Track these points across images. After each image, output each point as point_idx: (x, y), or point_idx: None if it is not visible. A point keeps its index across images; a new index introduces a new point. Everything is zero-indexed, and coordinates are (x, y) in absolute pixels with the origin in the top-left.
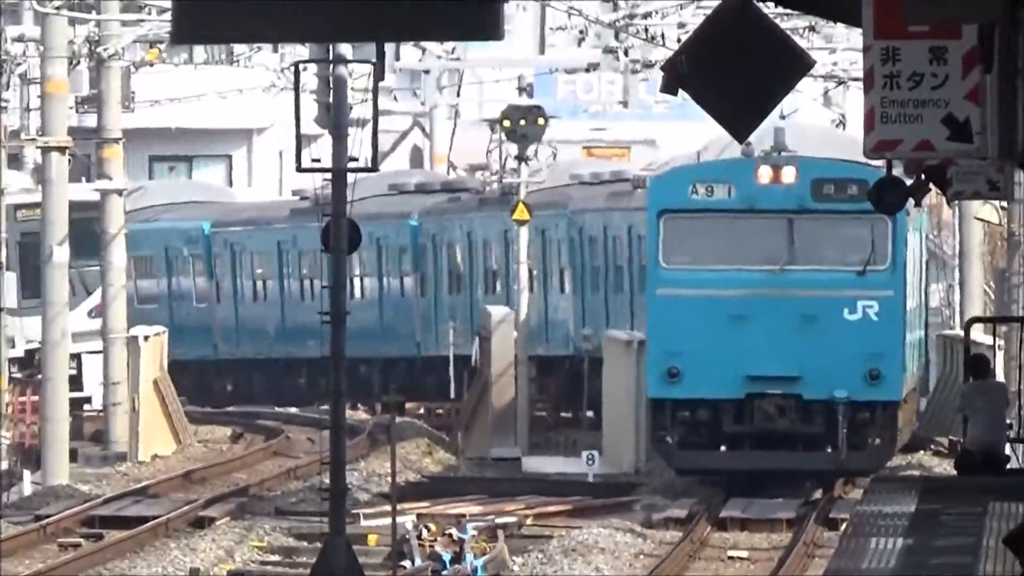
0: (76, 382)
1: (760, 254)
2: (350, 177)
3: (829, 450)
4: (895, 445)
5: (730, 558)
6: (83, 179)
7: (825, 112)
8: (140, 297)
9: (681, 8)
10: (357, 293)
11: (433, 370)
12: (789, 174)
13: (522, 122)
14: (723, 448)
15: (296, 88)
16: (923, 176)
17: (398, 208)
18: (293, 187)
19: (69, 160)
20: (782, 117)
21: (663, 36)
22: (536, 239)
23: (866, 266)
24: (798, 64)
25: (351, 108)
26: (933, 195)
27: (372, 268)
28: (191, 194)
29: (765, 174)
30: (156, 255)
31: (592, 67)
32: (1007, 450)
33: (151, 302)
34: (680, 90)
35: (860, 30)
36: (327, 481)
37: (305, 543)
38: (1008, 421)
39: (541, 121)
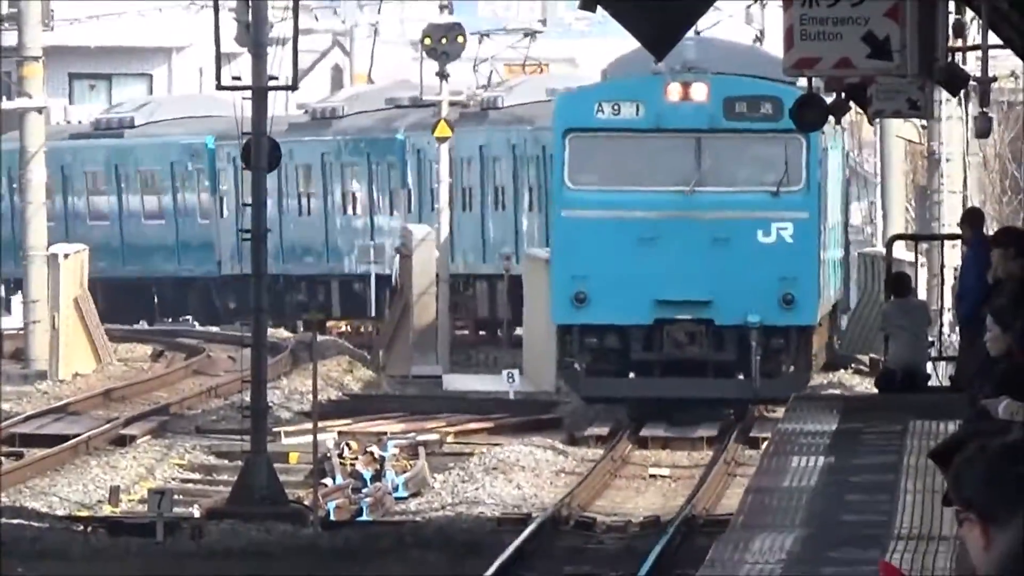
0: None
1: (670, 175)
2: (353, 90)
3: (741, 377)
4: (810, 372)
5: (651, 476)
6: (3, 97)
7: (746, 30)
8: (146, 213)
9: None
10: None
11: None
12: (700, 92)
13: (443, 40)
14: (632, 375)
15: (216, 6)
16: (843, 94)
17: (391, 123)
18: (298, 101)
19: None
20: (697, 33)
21: None
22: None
23: (780, 187)
24: None
25: (271, 26)
26: (854, 113)
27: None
28: (206, 108)
29: (675, 91)
30: (161, 170)
31: None
32: (928, 368)
33: (156, 218)
34: (599, 7)
35: None
36: (248, 399)
37: (226, 461)
38: (929, 339)
39: (461, 39)
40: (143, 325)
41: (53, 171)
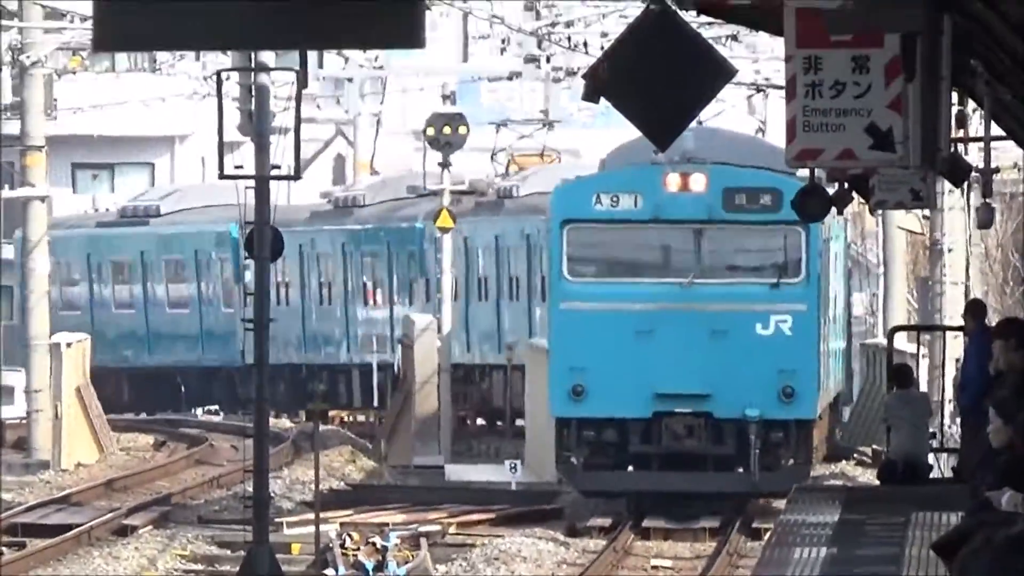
0: None
1: (668, 266)
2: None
3: (741, 471)
4: (810, 466)
5: (654, 568)
6: (6, 186)
7: (748, 120)
8: (170, 302)
9: (604, 17)
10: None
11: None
12: (699, 182)
13: (445, 130)
14: (630, 468)
15: (219, 96)
16: (846, 185)
17: (408, 212)
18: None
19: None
20: (698, 123)
21: (586, 44)
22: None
23: (779, 279)
24: (720, 72)
25: (274, 116)
26: (856, 204)
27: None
28: (230, 196)
29: (673, 182)
30: (186, 259)
31: (514, 75)
32: (930, 459)
33: (181, 307)
34: (602, 98)
35: (783, 39)
36: (250, 489)
37: (228, 551)
38: (931, 430)
39: (463, 129)
40: (169, 415)
41: (79, 259)
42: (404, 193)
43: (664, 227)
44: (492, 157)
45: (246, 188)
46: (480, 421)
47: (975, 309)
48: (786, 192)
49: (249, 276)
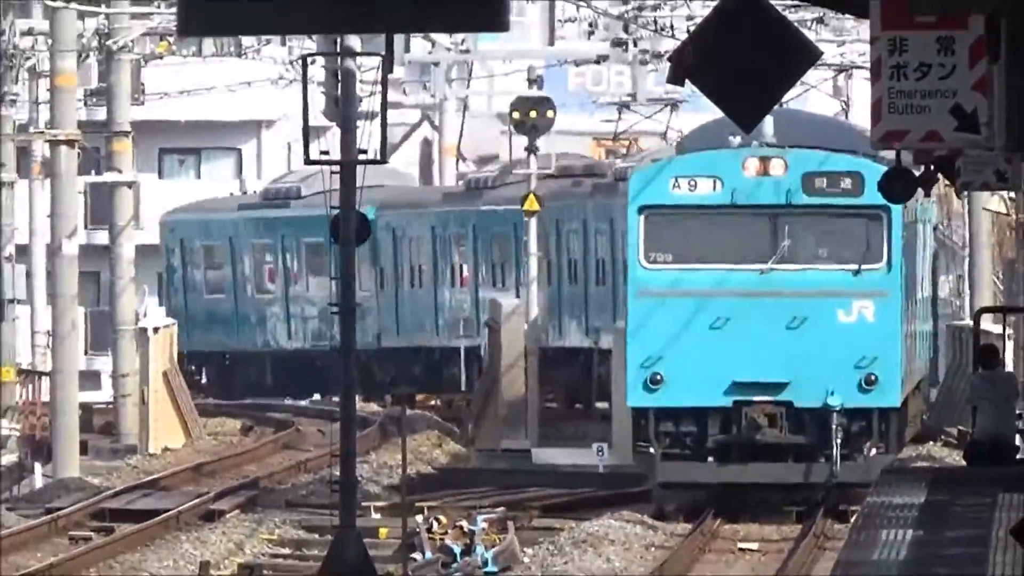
0: None
1: (747, 253)
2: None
3: (822, 461)
4: (894, 456)
5: (740, 550)
6: (93, 172)
7: (832, 102)
8: (309, 285)
9: (690, 0)
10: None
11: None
12: (778, 167)
13: (532, 114)
14: (710, 459)
15: (304, 81)
16: (932, 167)
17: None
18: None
19: (78, 153)
20: (780, 105)
21: (672, 27)
22: (552, 231)
23: (861, 265)
24: (805, 55)
25: (360, 101)
26: (942, 186)
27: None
28: (369, 177)
29: (752, 167)
30: (324, 241)
31: (601, 59)
32: (1017, 440)
33: (319, 290)
34: (687, 81)
35: (868, 22)
36: (337, 474)
37: (316, 536)
38: (1017, 411)
39: (550, 113)
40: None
41: (223, 242)
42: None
43: (743, 212)
44: (615, 138)
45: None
46: (578, 405)
47: None
48: (867, 176)
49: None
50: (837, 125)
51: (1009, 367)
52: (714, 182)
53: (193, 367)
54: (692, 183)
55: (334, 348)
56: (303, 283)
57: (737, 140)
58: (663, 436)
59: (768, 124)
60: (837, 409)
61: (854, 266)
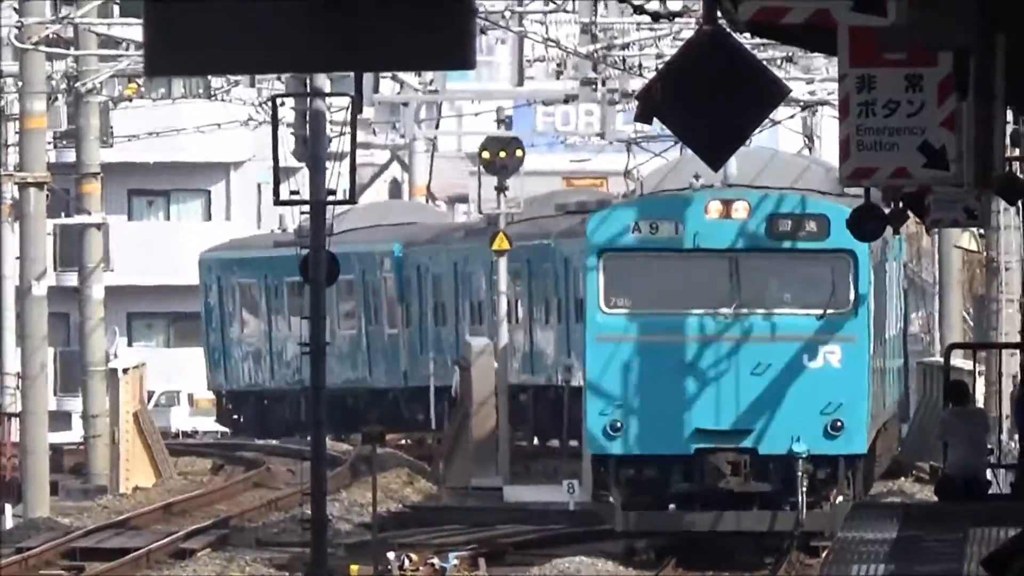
0: None
1: (710, 297)
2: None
3: (788, 509)
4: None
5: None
6: (62, 214)
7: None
8: (341, 323)
9: (659, 40)
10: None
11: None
12: (741, 209)
13: (501, 154)
14: (671, 507)
15: (274, 122)
16: (901, 204)
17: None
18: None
19: (47, 195)
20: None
21: (640, 67)
22: (521, 269)
23: (827, 309)
24: (773, 92)
25: (329, 141)
26: (912, 223)
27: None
28: (399, 214)
29: (715, 210)
30: (354, 279)
31: (570, 99)
32: (988, 475)
33: (350, 328)
34: (655, 119)
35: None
36: (308, 512)
37: (287, 574)
38: (988, 447)
39: (519, 152)
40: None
41: (257, 280)
42: (552, 211)
43: (705, 256)
44: (625, 175)
45: (299, 212)
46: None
47: None
48: (833, 218)
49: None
50: (801, 165)
51: (980, 403)
52: (675, 225)
53: (231, 406)
54: (653, 226)
55: (368, 388)
56: (334, 322)
57: (699, 182)
58: (624, 484)
59: (731, 165)
60: (803, 456)
61: (820, 311)
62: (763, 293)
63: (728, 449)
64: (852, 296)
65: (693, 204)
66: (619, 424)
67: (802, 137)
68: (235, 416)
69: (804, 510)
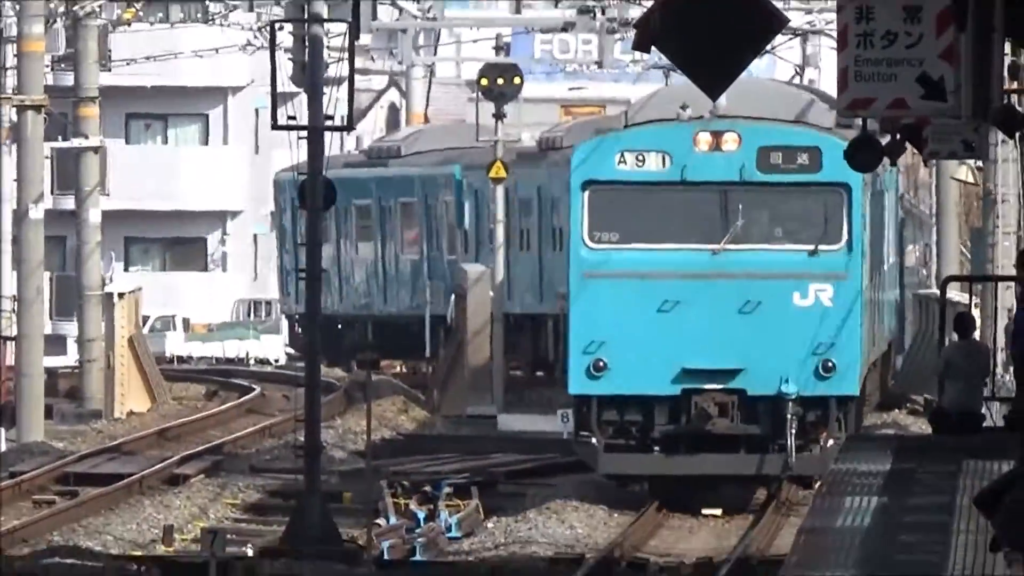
0: None
1: (698, 232)
2: None
3: (776, 452)
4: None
5: (704, 517)
6: (59, 137)
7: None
8: (403, 247)
9: None
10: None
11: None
12: (731, 141)
13: (499, 81)
14: (656, 451)
15: (272, 47)
16: (899, 135)
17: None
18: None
19: (45, 119)
20: (748, 73)
21: None
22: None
23: (818, 245)
24: (771, 22)
25: (327, 67)
26: (910, 155)
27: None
28: (462, 137)
29: (704, 141)
30: (417, 202)
31: (568, 26)
32: (983, 409)
33: (412, 253)
34: (653, 48)
35: None
36: (302, 439)
37: (280, 500)
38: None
39: (517, 80)
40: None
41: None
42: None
43: (693, 189)
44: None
45: (298, 138)
46: (539, 372)
47: None
48: (825, 150)
49: (466, 220)
50: (794, 96)
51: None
52: (663, 157)
53: (300, 331)
54: (640, 158)
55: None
56: (397, 245)
57: (688, 112)
58: (606, 425)
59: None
60: (792, 398)
61: (811, 247)
62: (753, 228)
63: (715, 390)
64: (845, 231)
65: (681, 135)
66: (602, 363)
67: (793, 67)
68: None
69: (793, 453)
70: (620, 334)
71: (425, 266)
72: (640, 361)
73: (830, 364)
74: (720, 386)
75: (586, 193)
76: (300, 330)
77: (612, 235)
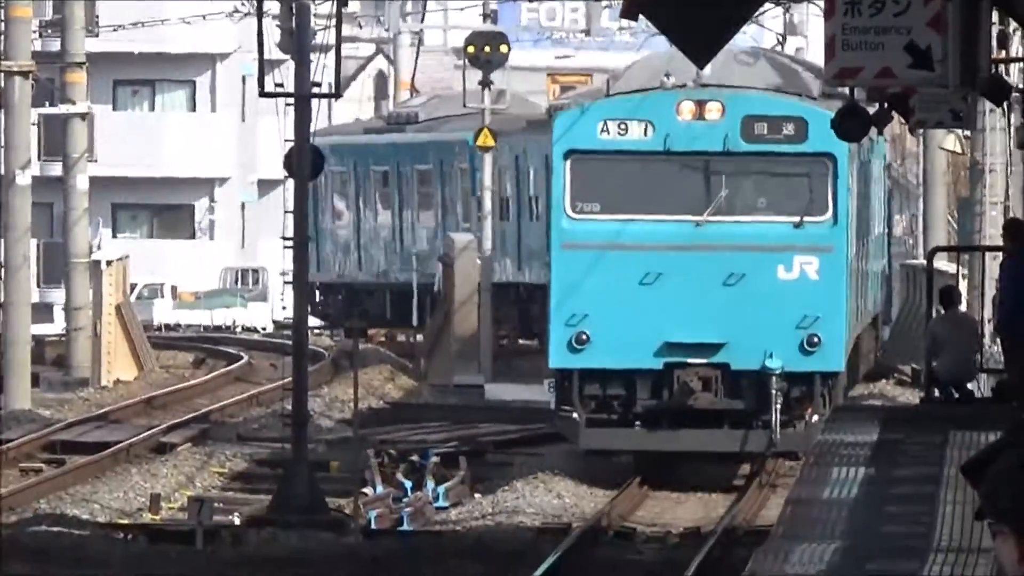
0: None
1: (681, 203)
2: None
3: (760, 428)
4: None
5: (692, 488)
6: (46, 103)
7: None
8: (419, 215)
9: None
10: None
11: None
12: (715, 110)
13: (486, 48)
14: (637, 426)
15: (259, 14)
16: (886, 104)
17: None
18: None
19: (32, 84)
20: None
21: None
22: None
23: (804, 217)
24: None
25: (314, 34)
26: (897, 124)
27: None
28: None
29: (687, 110)
30: (432, 169)
31: None
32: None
33: (428, 221)
34: (641, 16)
35: None
36: (289, 407)
37: (267, 469)
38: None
39: (504, 48)
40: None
41: (347, 168)
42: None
43: (676, 159)
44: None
45: (286, 105)
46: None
47: (1014, 229)
48: (811, 121)
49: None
50: (780, 65)
51: (963, 307)
52: (645, 126)
53: (324, 298)
54: (622, 127)
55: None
56: (413, 212)
57: (671, 81)
58: (588, 399)
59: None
60: (777, 372)
61: (796, 218)
62: (737, 199)
63: (699, 364)
64: (831, 203)
65: (664, 104)
66: (584, 336)
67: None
68: (320, 308)
69: (778, 429)
70: (602, 307)
71: (439, 234)
72: (622, 334)
73: (815, 339)
74: (703, 360)
75: (568, 162)
76: (322, 298)
77: (594, 205)
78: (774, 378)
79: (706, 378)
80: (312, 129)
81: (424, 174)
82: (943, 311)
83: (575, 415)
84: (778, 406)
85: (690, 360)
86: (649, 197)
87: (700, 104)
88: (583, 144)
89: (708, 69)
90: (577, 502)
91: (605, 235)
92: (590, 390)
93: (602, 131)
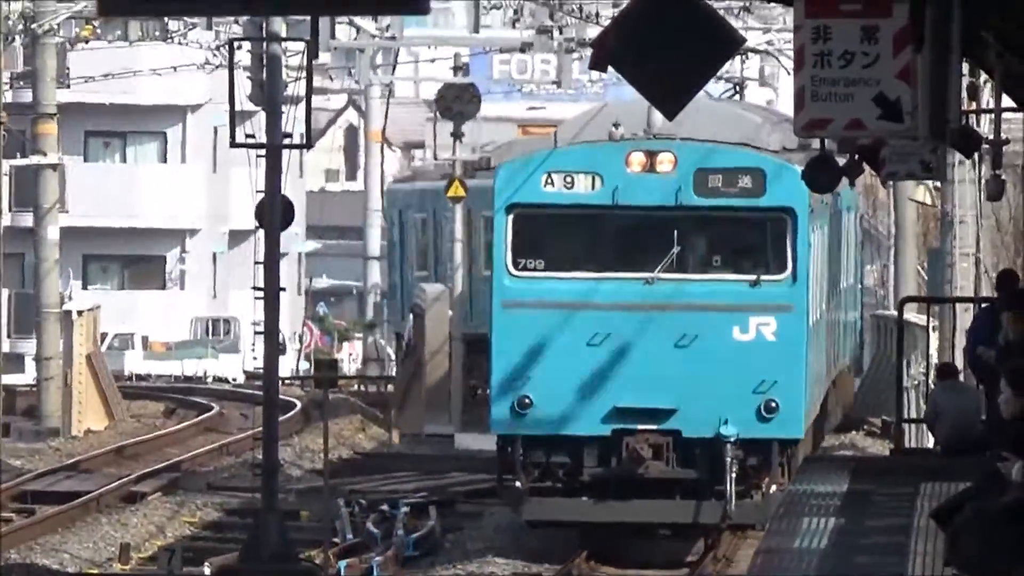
0: None
1: (631, 260)
2: None
3: (714, 499)
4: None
5: (662, 536)
6: (17, 154)
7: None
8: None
9: None
10: None
11: None
12: (666, 162)
13: (457, 100)
14: (584, 496)
15: (231, 65)
16: (856, 156)
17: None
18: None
19: (3, 136)
20: (707, 93)
21: (597, 15)
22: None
23: (761, 275)
24: (728, 42)
25: (286, 86)
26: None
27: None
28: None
29: (637, 162)
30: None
31: (526, 47)
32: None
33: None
34: (610, 67)
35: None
36: (260, 457)
37: (237, 519)
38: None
39: (475, 100)
40: None
41: (426, 215)
42: None
43: (626, 214)
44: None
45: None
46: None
47: (1007, 280)
48: (770, 173)
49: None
50: (737, 115)
51: (933, 357)
52: (593, 179)
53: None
54: (568, 180)
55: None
56: (482, 261)
57: (620, 131)
58: (531, 467)
59: (656, 113)
60: (732, 440)
61: (753, 277)
62: (690, 256)
63: (649, 431)
64: (790, 260)
65: (613, 156)
66: (528, 400)
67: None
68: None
69: (733, 500)
70: (546, 369)
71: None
72: (568, 398)
73: (773, 404)
74: (654, 427)
75: (510, 217)
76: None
77: (537, 262)
78: (729, 446)
79: (657, 445)
80: (393, 176)
81: (489, 220)
82: (939, 380)
83: (518, 483)
84: (733, 475)
85: (640, 426)
86: (596, 254)
87: (651, 155)
88: (526, 198)
89: (659, 118)
90: (550, 550)
91: (549, 294)
92: (534, 457)
93: (546, 184)
